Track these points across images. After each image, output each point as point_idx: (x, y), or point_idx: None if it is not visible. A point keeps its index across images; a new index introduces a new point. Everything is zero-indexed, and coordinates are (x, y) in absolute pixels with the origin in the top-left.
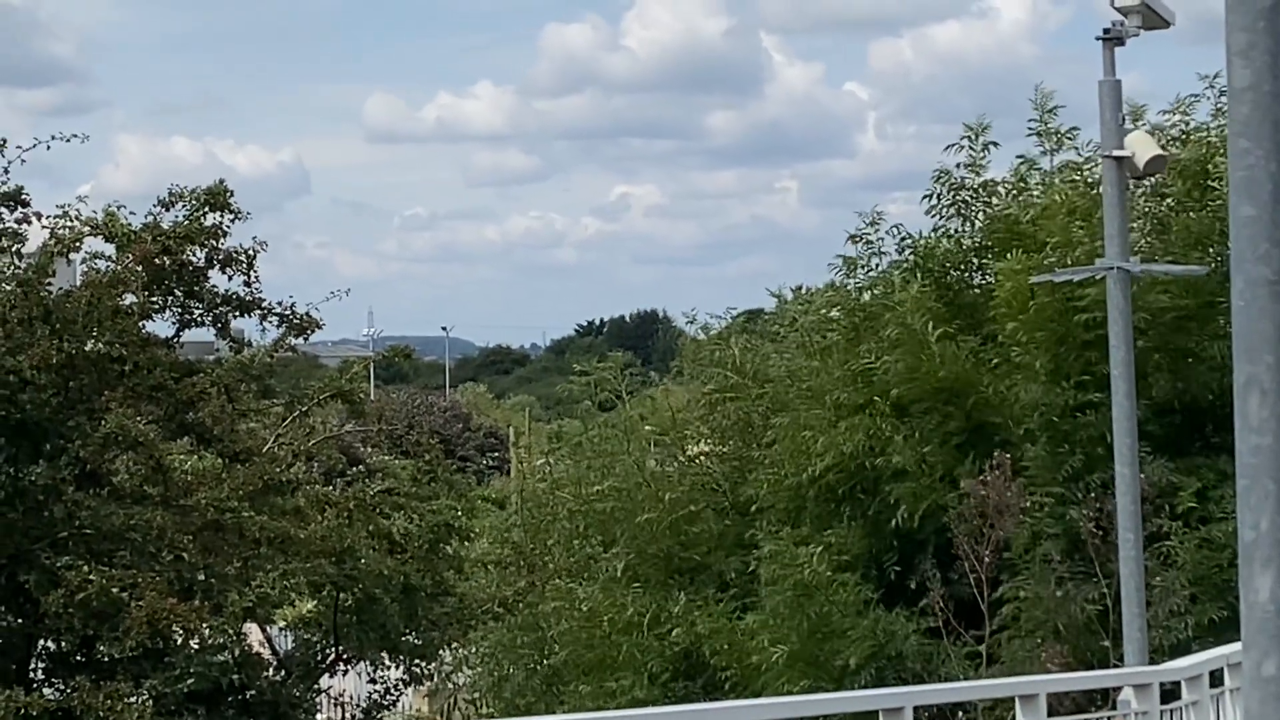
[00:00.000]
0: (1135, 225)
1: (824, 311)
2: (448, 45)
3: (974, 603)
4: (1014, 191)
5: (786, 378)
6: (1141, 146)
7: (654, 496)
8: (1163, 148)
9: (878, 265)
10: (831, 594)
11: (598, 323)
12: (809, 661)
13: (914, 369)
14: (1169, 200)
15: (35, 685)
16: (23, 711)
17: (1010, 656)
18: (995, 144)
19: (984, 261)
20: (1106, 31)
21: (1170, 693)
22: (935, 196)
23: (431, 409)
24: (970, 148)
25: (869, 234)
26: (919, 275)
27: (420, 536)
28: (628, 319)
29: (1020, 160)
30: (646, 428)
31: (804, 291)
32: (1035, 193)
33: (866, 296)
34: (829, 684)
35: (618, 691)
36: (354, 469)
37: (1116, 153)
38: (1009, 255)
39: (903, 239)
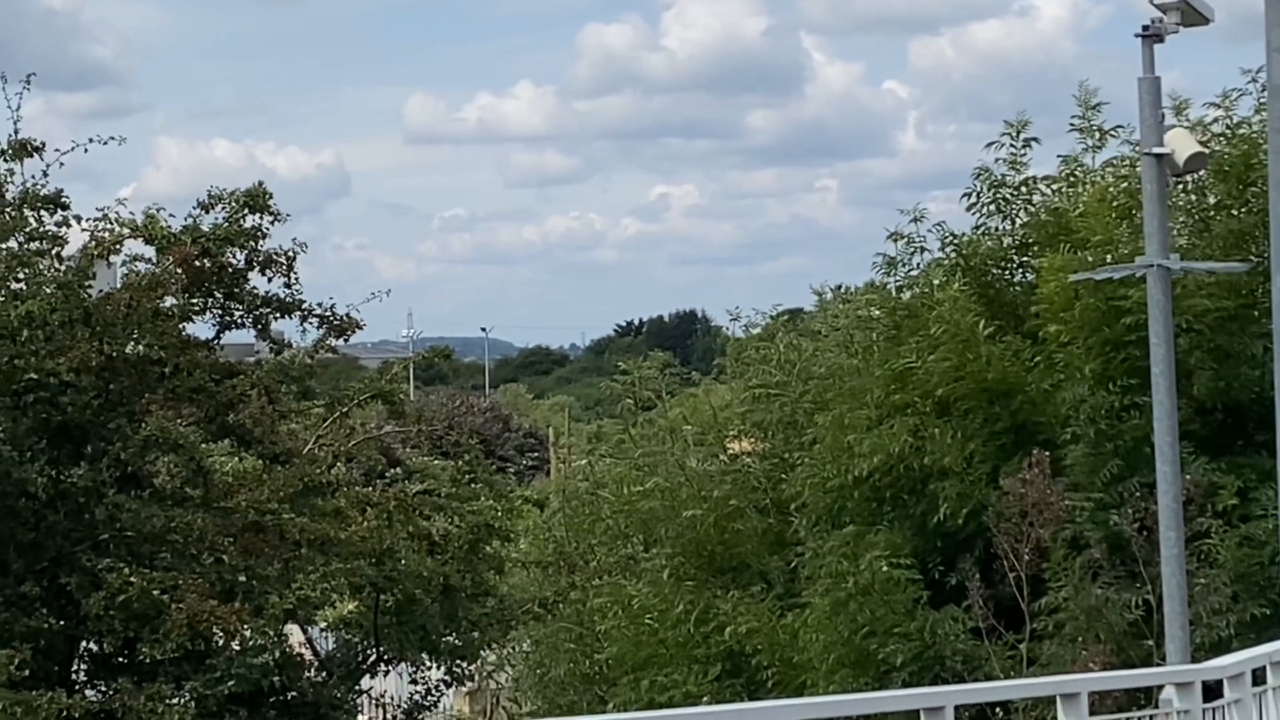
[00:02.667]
0: (1177, 223)
1: (863, 311)
2: (487, 47)
3: (1016, 602)
4: (1057, 189)
5: (828, 376)
6: (1181, 143)
7: (697, 496)
8: (1205, 144)
9: (919, 263)
10: (885, 593)
11: (637, 323)
12: (854, 660)
13: (960, 368)
14: (1211, 198)
15: (77, 687)
16: (65, 713)
17: (1052, 657)
18: (1036, 140)
19: (1024, 260)
20: (1146, 28)
21: (1213, 691)
22: (975, 194)
23: (471, 409)
24: (1012, 144)
25: (910, 232)
26: (960, 273)
27: (460, 537)
28: (666, 319)
29: (1062, 158)
30: (686, 427)
31: (842, 291)
32: (1077, 190)
33: (907, 295)
34: (870, 683)
35: (669, 686)
36: (393, 470)
37: (1156, 150)
38: (1051, 253)
39: (945, 237)
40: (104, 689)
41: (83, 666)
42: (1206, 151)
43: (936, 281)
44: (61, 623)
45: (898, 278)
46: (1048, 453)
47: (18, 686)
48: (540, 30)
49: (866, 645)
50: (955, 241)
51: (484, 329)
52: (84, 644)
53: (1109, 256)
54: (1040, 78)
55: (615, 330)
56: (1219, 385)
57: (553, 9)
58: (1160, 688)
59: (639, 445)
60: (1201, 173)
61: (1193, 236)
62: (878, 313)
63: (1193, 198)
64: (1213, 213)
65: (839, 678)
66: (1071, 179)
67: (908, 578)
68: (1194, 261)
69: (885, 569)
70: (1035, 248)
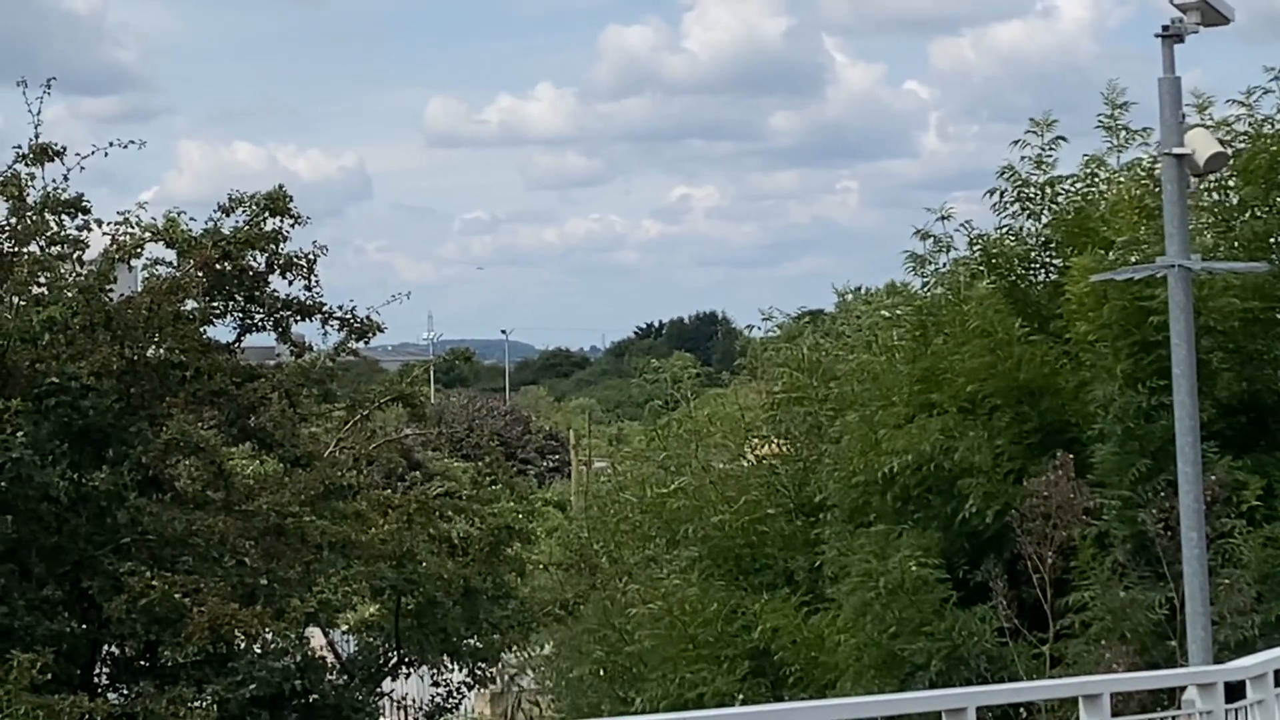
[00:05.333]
0: (1203, 224)
1: (888, 313)
2: (508, 48)
3: (1040, 604)
4: (1082, 188)
5: (854, 374)
6: (1202, 143)
7: (723, 497)
8: (1227, 142)
9: (946, 262)
10: (913, 594)
11: (657, 325)
12: (881, 661)
13: (992, 366)
14: (1233, 196)
15: (99, 690)
16: (87, 717)
17: (1076, 657)
18: (1064, 139)
19: (1046, 260)
20: (1166, 29)
21: (1236, 691)
22: (999, 193)
23: (491, 412)
24: (1041, 144)
25: (939, 231)
26: (987, 272)
27: (481, 539)
28: (687, 321)
29: (1087, 157)
30: (709, 429)
31: (863, 292)
32: (1102, 189)
33: (933, 294)
34: (896, 684)
35: (698, 683)
36: (414, 473)
37: (1176, 150)
38: (1078, 253)
39: (974, 236)
40: (126, 692)
41: (105, 670)
42: (1227, 151)
43: (963, 279)
44: (83, 626)
45: (925, 276)
46: (1073, 453)
47: (40, 690)
48: (561, 32)
49: (893, 645)
50: (981, 240)
51: (504, 331)
52: (106, 647)
53: (1135, 256)
54: (1061, 79)
55: (635, 332)
56: (1242, 386)
57: (573, 11)
58: (1183, 688)
59: (666, 446)
60: (1225, 172)
61: (1217, 237)
62: (904, 311)
63: (1215, 196)
64: (1236, 213)
65: (865, 679)
66: (1095, 179)
67: (936, 578)
68: (1216, 262)
69: (914, 569)
70: (1059, 247)
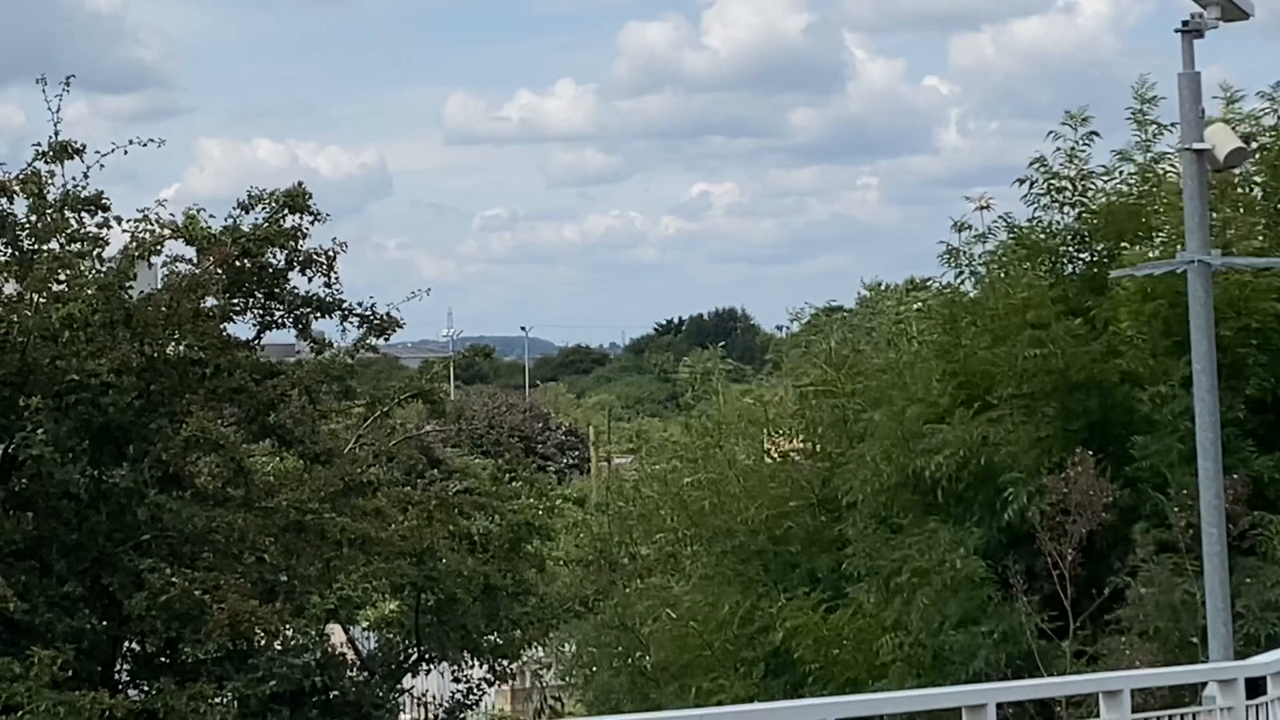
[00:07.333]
0: (1237, 217)
1: (920, 307)
2: (528, 46)
3: (1081, 599)
4: (1115, 182)
5: (881, 371)
6: (1222, 139)
7: (748, 493)
8: (1254, 137)
9: (980, 254)
10: (956, 590)
11: (676, 321)
12: (922, 660)
13: (1043, 360)
14: (1258, 192)
15: (120, 687)
16: (108, 713)
17: (1101, 654)
18: (1097, 134)
19: (1075, 254)
20: (1185, 24)
21: (1257, 687)
22: (1029, 183)
23: (511, 408)
24: (1076, 138)
25: (971, 222)
26: (1022, 262)
27: (501, 536)
28: (706, 317)
29: (1116, 153)
30: (733, 423)
31: (883, 288)
32: (1137, 183)
33: (968, 286)
34: (939, 682)
35: (715, 690)
36: (434, 469)
37: (1196, 145)
38: (1114, 246)
39: (1011, 225)
40: (146, 689)
41: (125, 666)
42: (1246, 147)
43: (1001, 273)
44: (104, 623)
45: (958, 267)
46: (1118, 449)
47: (61, 686)
48: (581, 29)
49: (940, 643)
50: (1017, 233)
51: (524, 328)
52: (126, 644)
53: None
54: (1082, 74)
55: (655, 329)
56: (1270, 383)
57: (593, 7)
58: (1203, 684)
59: (695, 439)
60: (1251, 166)
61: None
62: (935, 304)
63: (1241, 191)
64: (1258, 207)
65: (910, 677)
66: (1125, 172)
67: (983, 575)
68: (1236, 257)
69: (959, 565)
70: (1090, 240)
